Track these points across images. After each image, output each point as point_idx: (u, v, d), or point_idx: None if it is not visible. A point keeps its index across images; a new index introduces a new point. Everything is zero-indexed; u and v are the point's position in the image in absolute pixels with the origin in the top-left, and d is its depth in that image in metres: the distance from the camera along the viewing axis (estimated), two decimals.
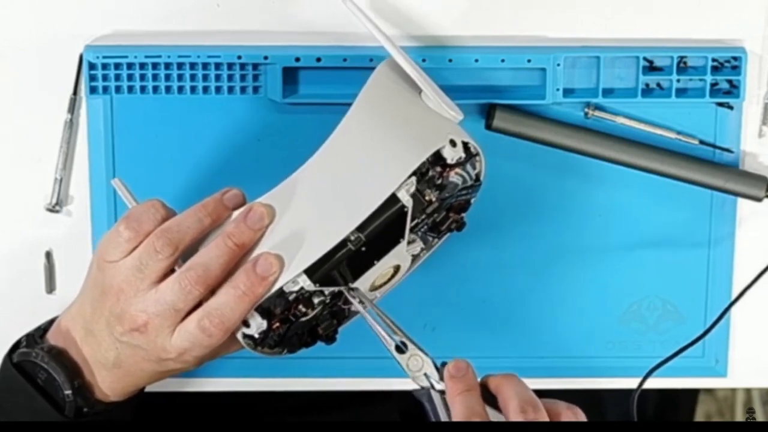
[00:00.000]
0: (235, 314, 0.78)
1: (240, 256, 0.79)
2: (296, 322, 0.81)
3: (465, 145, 0.83)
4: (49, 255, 0.98)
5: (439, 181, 0.82)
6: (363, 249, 0.79)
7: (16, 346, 0.87)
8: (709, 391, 1.86)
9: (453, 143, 0.81)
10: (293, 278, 0.78)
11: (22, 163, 0.96)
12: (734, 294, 0.98)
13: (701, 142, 0.96)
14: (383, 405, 0.83)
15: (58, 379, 0.83)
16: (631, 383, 0.98)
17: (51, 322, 0.87)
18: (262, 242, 0.80)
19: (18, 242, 0.97)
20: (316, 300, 0.81)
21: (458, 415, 0.77)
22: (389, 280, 0.84)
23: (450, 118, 0.84)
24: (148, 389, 0.89)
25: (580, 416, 0.80)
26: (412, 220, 0.82)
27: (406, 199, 0.80)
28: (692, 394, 1.33)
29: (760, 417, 1.83)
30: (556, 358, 0.96)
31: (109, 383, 0.84)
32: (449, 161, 0.81)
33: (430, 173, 0.81)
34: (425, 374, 0.79)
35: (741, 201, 0.97)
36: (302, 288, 0.79)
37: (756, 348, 0.99)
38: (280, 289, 0.79)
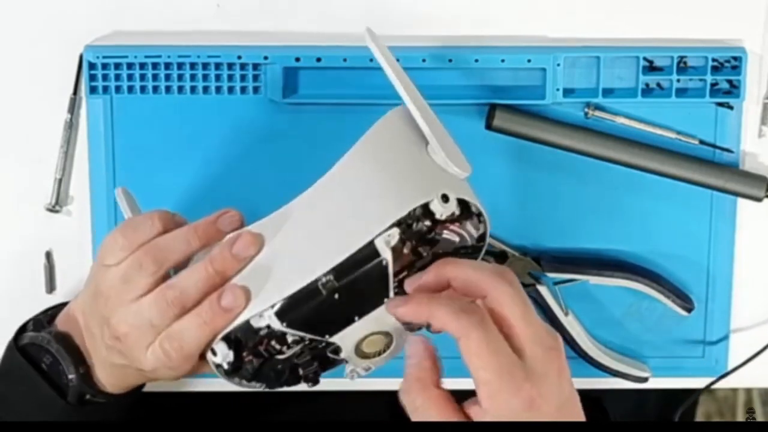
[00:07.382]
0: (193, 341, 0.78)
1: (221, 283, 0.78)
2: (271, 359, 0.79)
3: (464, 203, 0.77)
4: (49, 255, 0.98)
5: (431, 236, 0.77)
6: (337, 297, 0.76)
7: (23, 329, 0.87)
8: (710, 391, 1.85)
9: (445, 198, 0.76)
10: (258, 313, 0.76)
11: (22, 163, 0.96)
12: (734, 294, 0.98)
13: (701, 142, 0.96)
14: (374, 404, 0.81)
15: (63, 363, 0.84)
16: (630, 384, 0.98)
17: (61, 306, 0.88)
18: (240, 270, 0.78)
19: (18, 242, 0.97)
20: (290, 338, 0.78)
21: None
22: (382, 351, 0.81)
23: (455, 174, 0.78)
24: (146, 389, 0.89)
25: (511, 279, 0.73)
26: (401, 273, 0.76)
27: (385, 250, 0.75)
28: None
29: (760, 417, 1.83)
30: None
31: (106, 376, 0.85)
32: (438, 216, 0.76)
33: (418, 226, 0.76)
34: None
35: (741, 201, 0.97)
36: (269, 326, 0.77)
37: (756, 348, 0.98)
38: (247, 322, 0.77)
